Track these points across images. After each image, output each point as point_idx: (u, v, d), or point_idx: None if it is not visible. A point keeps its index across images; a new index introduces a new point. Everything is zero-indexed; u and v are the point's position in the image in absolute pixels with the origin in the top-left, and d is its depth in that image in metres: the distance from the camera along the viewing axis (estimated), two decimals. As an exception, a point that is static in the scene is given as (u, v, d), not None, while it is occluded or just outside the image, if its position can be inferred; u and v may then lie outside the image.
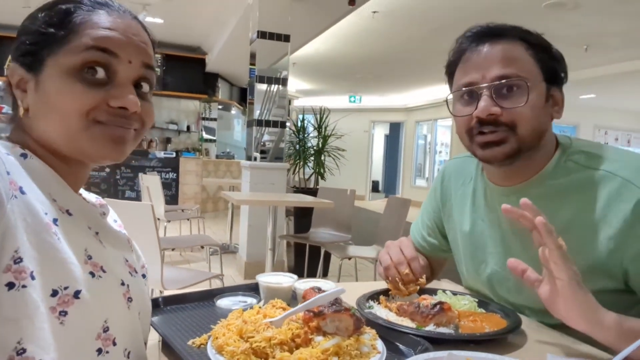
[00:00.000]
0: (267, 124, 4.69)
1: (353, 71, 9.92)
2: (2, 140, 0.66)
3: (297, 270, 4.64)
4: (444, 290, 1.06)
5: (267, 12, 4.67)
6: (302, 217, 4.58)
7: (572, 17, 5.84)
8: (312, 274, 4.46)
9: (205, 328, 0.86)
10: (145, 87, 0.70)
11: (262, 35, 4.63)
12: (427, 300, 0.92)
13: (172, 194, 8.21)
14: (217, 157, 9.81)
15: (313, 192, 4.70)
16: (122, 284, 0.69)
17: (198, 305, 1.00)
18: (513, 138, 0.90)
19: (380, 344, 0.74)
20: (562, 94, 0.95)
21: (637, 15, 5.63)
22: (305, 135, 5.25)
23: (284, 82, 4.75)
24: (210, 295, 1.02)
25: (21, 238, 0.54)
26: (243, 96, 11.81)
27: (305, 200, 3.74)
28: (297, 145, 5.23)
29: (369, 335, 0.74)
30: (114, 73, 0.65)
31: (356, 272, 4.10)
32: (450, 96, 0.99)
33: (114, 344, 0.63)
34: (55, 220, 0.60)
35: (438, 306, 0.87)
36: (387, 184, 16.26)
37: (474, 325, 0.90)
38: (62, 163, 0.67)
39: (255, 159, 4.66)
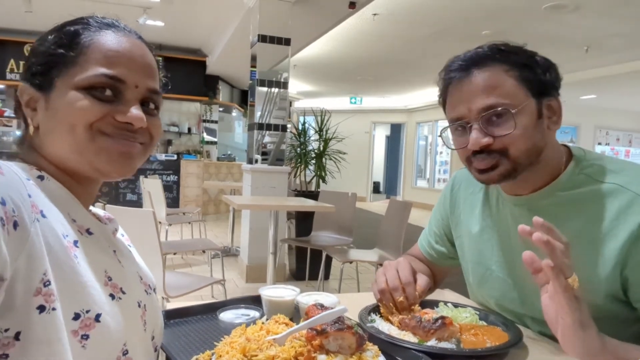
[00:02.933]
0: (269, 127, 4.70)
1: (354, 73, 9.93)
2: (17, 161, 0.66)
3: (299, 273, 4.65)
4: (445, 303, 1.07)
5: (267, 16, 4.68)
6: (303, 221, 4.59)
7: (573, 19, 5.84)
8: (313, 277, 4.47)
9: (208, 343, 0.86)
10: (152, 105, 0.71)
11: (263, 39, 4.64)
12: (429, 314, 0.92)
13: (173, 197, 8.21)
14: (219, 159, 9.81)
15: (314, 195, 4.70)
16: (139, 305, 0.69)
17: (201, 319, 1.01)
18: (506, 161, 0.91)
19: (382, 361, 0.74)
20: (558, 102, 0.95)
21: (637, 17, 5.63)
22: (307, 139, 5.25)
23: (284, 85, 4.76)
24: (212, 308, 1.03)
25: (44, 261, 0.55)
26: (244, 98, 11.82)
27: (306, 204, 3.74)
28: (299, 149, 5.23)
29: (372, 352, 0.75)
30: (121, 93, 0.67)
31: (357, 276, 4.11)
32: (446, 130, 1.01)
33: None
34: (75, 242, 0.61)
35: (440, 321, 0.88)
36: (389, 185, 16.26)
37: (476, 339, 0.90)
38: (74, 181, 0.68)
39: (256, 161, 4.67)
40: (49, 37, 0.68)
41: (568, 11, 5.57)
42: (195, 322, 0.99)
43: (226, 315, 1.00)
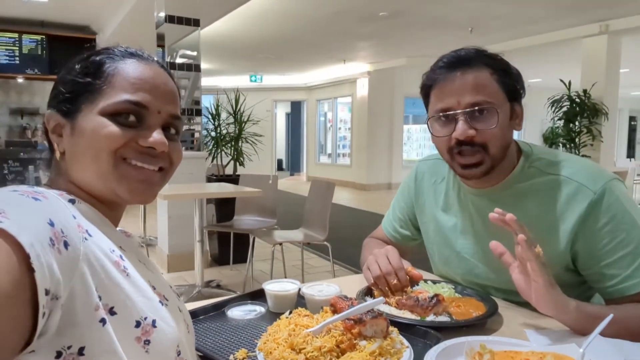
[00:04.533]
0: (182, 111, 4.55)
1: (255, 51, 9.82)
2: (45, 187, 0.67)
3: (223, 258, 4.65)
4: (425, 281, 1.21)
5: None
6: (224, 205, 4.57)
7: (461, 2, 6.31)
8: (237, 261, 4.50)
9: (233, 341, 0.92)
10: (173, 130, 0.75)
11: (170, 19, 4.45)
12: (424, 293, 1.06)
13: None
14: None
15: (234, 179, 4.69)
16: (179, 310, 0.74)
17: (210, 317, 1.04)
18: (487, 158, 1.06)
19: (404, 339, 0.86)
20: (521, 107, 1.12)
21: (516, 1, 6.24)
22: (221, 122, 5.17)
23: (196, 67, 4.62)
24: (219, 307, 1.07)
25: (97, 277, 0.58)
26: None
27: (232, 190, 3.75)
28: (213, 132, 5.14)
29: (394, 333, 0.86)
30: (144, 119, 0.70)
31: (283, 256, 4.21)
32: (430, 119, 1.12)
33: None
34: (121, 257, 0.64)
35: (435, 298, 1.01)
36: (292, 162, 16.48)
37: (461, 310, 1.06)
38: (101, 204, 0.70)
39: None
40: (76, 66, 0.71)
41: (457, -5, 6.02)
42: (206, 321, 1.03)
43: (234, 313, 1.05)
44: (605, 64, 7.10)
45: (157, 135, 0.70)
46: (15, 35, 7.12)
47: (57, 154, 0.69)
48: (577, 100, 7.18)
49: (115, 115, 0.67)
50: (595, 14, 6.79)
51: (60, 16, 7.72)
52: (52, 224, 0.52)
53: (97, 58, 0.70)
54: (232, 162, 5.19)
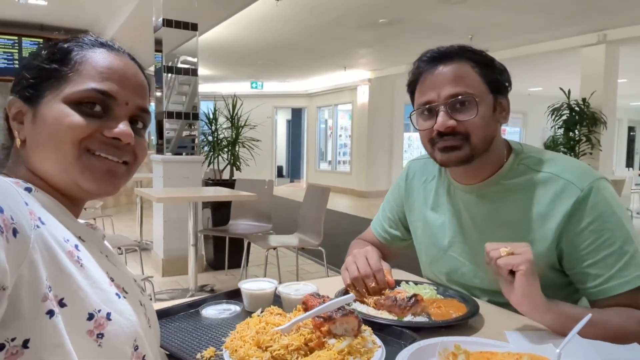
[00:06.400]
0: (179, 115, 4.54)
1: (255, 57, 9.85)
2: (2, 175, 0.65)
3: (218, 263, 4.62)
4: (406, 281, 1.19)
5: (171, -2, 4.49)
6: (219, 210, 4.55)
7: (460, 9, 6.32)
8: (232, 265, 4.47)
9: (203, 340, 0.90)
10: (140, 124, 0.73)
11: (168, 23, 4.45)
12: (402, 294, 1.03)
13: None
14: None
15: (229, 184, 4.67)
16: (140, 304, 0.71)
17: (183, 317, 1.02)
18: (467, 145, 1.05)
19: (377, 339, 0.83)
20: (507, 101, 1.12)
21: (515, 8, 6.25)
22: (218, 126, 5.16)
23: (194, 72, 4.62)
24: (194, 306, 1.05)
25: (47, 267, 0.56)
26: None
27: (227, 194, 3.73)
28: (210, 137, 5.13)
29: (367, 332, 0.84)
30: (111, 109, 0.68)
31: (278, 261, 4.19)
32: (414, 113, 1.13)
33: None
34: (76, 246, 0.62)
35: (413, 298, 0.99)
36: (292, 169, 16.47)
37: (441, 311, 1.03)
38: (61, 195, 0.69)
39: (163, 151, 4.48)
40: (42, 52, 0.69)
41: (456, 2, 6.03)
42: (179, 320, 1.00)
43: (209, 312, 1.03)
44: (604, 74, 7.10)
45: (123, 127, 0.68)
46: (15, 38, 7.14)
47: (18, 142, 0.67)
48: (577, 108, 7.17)
49: (80, 104, 0.65)
50: (594, 24, 6.80)
51: (60, 20, 7.76)
52: (1, 211, 0.50)
53: (65, 45, 0.69)
54: (229, 167, 5.18)
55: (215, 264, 4.68)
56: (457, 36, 7.48)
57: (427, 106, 1.07)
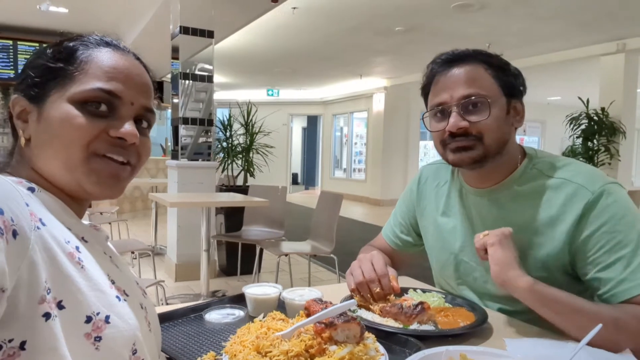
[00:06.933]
0: (194, 121, 4.59)
1: (271, 65, 9.91)
2: (4, 175, 0.65)
3: (230, 269, 4.62)
4: (414, 289, 1.17)
5: (188, 6, 4.55)
6: (233, 216, 4.56)
7: (478, 17, 6.29)
8: (245, 271, 4.47)
9: (204, 344, 0.89)
10: (145, 124, 0.73)
11: (185, 30, 4.51)
12: (409, 301, 1.01)
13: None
14: (132, 154, 9.35)
15: (243, 190, 4.68)
16: (141, 307, 0.71)
17: (186, 321, 1.01)
18: (480, 146, 1.04)
19: (380, 347, 0.82)
20: (522, 105, 1.11)
21: (533, 17, 6.19)
22: (232, 133, 5.19)
23: (209, 79, 4.66)
24: (197, 310, 1.04)
25: (47, 269, 0.55)
26: (157, 90, 11.32)
27: (240, 200, 3.73)
28: (225, 143, 5.16)
29: (370, 339, 0.82)
30: (116, 109, 0.68)
31: (290, 268, 4.17)
32: (427, 114, 1.13)
33: None
34: (77, 248, 0.62)
35: (420, 306, 0.97)
36: (307, 176, 16.49)
37: (448, 320, 1.01)
38: (64, 195, 0.68)
39: (178, 157, 4.52)
40: (47, 51, 0.68)
41: (473, 10, 6.00)
42: (182, 324, 1.00)
43: (212, 316, 1.02)
44: (623, 83, 6.98)
45: (128, 127, 0.68)
46: (36, 45, 7.29)
47: (22, 141, 0.67)
48: (595, 118, 7.06)
49: (85, 103, 0.65)
50: (613, 32, 6.70)
51: (80, 28, 7.85)
52: (1, 212, 0.50)
53: (71, 44, 0.68)
54: (242, 173, 5.19)
55: (227, 270, 4.68)
56: (474, 44, 7.30)
57: (439, 107, 1.07)
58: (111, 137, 0.67)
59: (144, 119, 0.72)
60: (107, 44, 0.70)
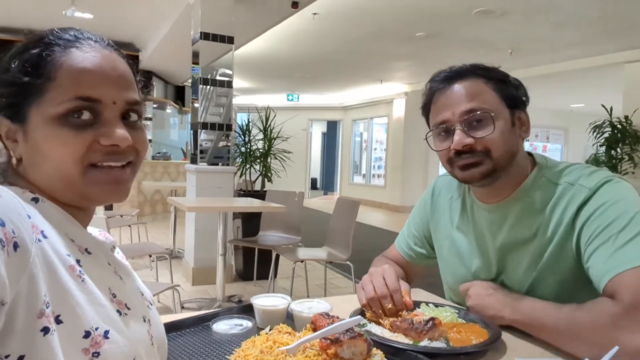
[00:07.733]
0: (213, 126, 4.62)
1: (292, 70, 9.96)
2: (7, 185, 0.64)
3: (246, 274, 4.63)
4: (427, 303, 1.14)
5: (209, 13, 4.60)
6: (250, 221, 4.57)
7: (500, 24, 6.21)
8: (261, 277, 4.47)
9: (209, 356, 0.88)
10: (134, 116, 0.69)
11: (205, 36, 4.56)
12: (419, 316, 0.99)
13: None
14: (153, 157, 9.48)
15: (260, 195, 4.70)
16: (144, 320, 0.70)
17: (194, 331, 1.01)
18: (489, 160, 1.02)
19: (388, 364, 0.79)
20: (526, 115, 1.08)
21: (555, 24, 6.09)
22: (251, 138, 5.22)
23: (229, 84, 4.69)
24: (205, 320, 1.03)
25: (47, 282, 0.54)
26: (179, 94, 11.48)
27: (257, 205, 3.74)
28: (243, 148, 5.19)
29: (378, 357, 0.80)
30: (100, 114, 0.64)
31: (306, 274, 4.16)
32: (430, 134, 1.10)
33: None
34: (78, 262, 0.60)
35: (431, 322, 0.94)
36: (326, 182, 16.49)
37: (461, 336, 0.98)
38: (67, 206, 0.67)
39: (197, 161, 4.56)
40: (12, 64, 0.64)
41: (495, 16, 5.92)
42: (190, 334, 0.99)
43: (219, 327, 1.01)
44: (647, 90, 6.81)
45: (119, 131, 0.64)
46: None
47: (14, 160, 0.65)
48: (619, 126, 6.89)
49: (67, 115, 0.61)
50: (637, 40, 6.54)
51: (105, 33, 8.04)
52: (2, 224, 0.49)
53: (34, 51, 0.63)
54: (260, 178, 5.21)
55: (244, 275, 4.69)
56: (496, 50, 7.34)
57: (442, 126, 1.05)
58: (103, 146, 0.64)
59: (131, 112, 0.68)
60: (72, 42, 0.65)
